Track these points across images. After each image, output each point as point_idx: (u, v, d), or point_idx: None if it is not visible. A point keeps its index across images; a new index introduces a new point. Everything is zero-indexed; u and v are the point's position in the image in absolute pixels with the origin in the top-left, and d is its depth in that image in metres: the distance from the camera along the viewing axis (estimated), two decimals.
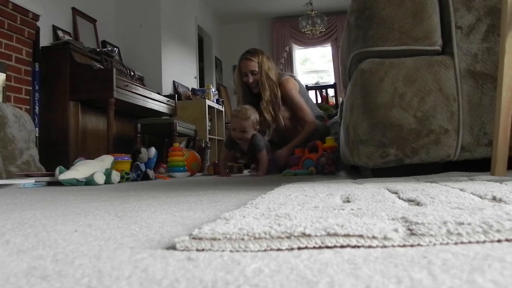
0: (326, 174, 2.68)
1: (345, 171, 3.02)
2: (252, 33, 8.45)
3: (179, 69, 6.52)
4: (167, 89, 6.03)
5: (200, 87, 6.80)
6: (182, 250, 0.43)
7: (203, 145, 5.44)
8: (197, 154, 4.22)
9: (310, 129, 3.50)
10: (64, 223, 0.70)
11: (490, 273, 0.31)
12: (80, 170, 2.30)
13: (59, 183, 2.31)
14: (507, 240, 0.41)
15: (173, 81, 6.25)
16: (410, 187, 0.96)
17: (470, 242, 0.41)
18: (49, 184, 2.45)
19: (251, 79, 3.55)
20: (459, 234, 0.42)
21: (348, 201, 0.73)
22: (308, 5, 7.32)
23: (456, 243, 0.41)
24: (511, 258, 0.35)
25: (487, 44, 1.65)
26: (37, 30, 4.06)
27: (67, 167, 2.42)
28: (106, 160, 2.47)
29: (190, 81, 6.90)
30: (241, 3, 7.74)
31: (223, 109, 6.93)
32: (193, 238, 0.44)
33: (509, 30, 1.29)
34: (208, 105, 6.08)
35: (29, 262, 0.41)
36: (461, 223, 0.44)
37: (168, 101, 5.33)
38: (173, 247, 0.45)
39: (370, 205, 0.64)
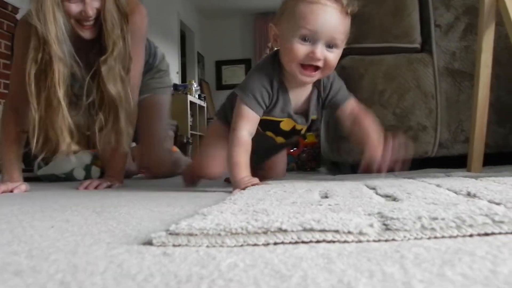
0: (307, 170, 2.69)
1: (325, 167, 3.03)
2: (235, 29, 8.42)
3: None
4: None
5: (182, 83, 6.76)
6: (159, 246, 0.43)
7: (185, 140, 5.42)
8: (178, 150, 4.20)
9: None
10: (41, 218, 0.69)
11: (460, 266, 0.32)
12: (59, 165, 2.28)
13: (38, 179, 2.28)
14: (479, 234, 0.42)
15: None
16: (388, 183, 0.97)
17: (443, 237, 0.42)
18: (28, 179, 2.41)
19: (89, 9, 1.43)
20: (433, 229, 0.43)
21: (326, 197, 0.74)
22: None
23: (429, 238, 0.42)
24: (481, 252, 0.36)
25: (465, 43, 1.68)
26: (16, 23, 4.00)
27: (47, 162, 2.39)
28: (86, 156, 2.45)
29: (172, 77, 6.86)
30: None
31: (205, 105, 6.91)
32: (170, 233, 0.45)
33: (486, 29, 1.31)
34: (190, 100, 6.05)
35: (3, 258, 0.41)
36: (435, 218, 0.45)
37: None
38: (149, 243, 0.45)
39: (348, 200, 0.65)
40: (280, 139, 1.35)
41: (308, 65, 1.12)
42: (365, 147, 1.20)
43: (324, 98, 1.29)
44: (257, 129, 1.25)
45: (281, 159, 1.59)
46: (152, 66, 2.17)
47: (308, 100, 1.27)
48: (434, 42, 1.69)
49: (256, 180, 1.09)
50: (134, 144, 2.31)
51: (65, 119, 1.44)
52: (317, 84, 1.26)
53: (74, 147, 1.48)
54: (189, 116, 6.02)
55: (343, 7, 1.11)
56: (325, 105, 1.30)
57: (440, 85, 1.67)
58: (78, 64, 1.50)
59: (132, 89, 1.59)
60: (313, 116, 1.31)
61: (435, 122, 1.66)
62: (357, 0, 1.13)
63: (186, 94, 6.10)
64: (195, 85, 6.60)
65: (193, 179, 1.47)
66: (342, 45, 1.15)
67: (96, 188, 1.46)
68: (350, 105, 1.30)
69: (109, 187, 1.50)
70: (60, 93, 1.41)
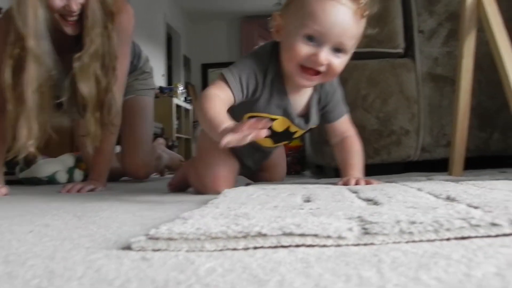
0: (291, 173, 2.70)
1: (310, 170, 3.04)
2: (221, 32, 8.42)
3: None
4: None
5: (168, 85, 6.74)
6: (138, 250, 0.43)
7: (170, 143, 5.40)
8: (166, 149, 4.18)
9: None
10: (20, 223, 0.68)
11: (435, 270, 0.32)
12: (42, 168, 2.26)
13: (19, 182, 2.26)
14: (456, 238, 0.43)
15: None
16: (370, 187, 0.97)
17: (421, 241, 0.42)
18: (9, 183, 2.38)
19: (73, 4, 1.38)
20: (411, 233, 0.43)
21: (309, 201, 0.74)
22: (278, 5, 7.33)
23: (408, 242, 0.42)
24: (457, 255, 0.36)
25: (447, 48, 1.70)
26: None
27: (29, 165, 2.36)
28: (69, 158, 2.43)
29: (158, 79, 6.83)
30: (211, 1, 7.71)
31: (191, 108, 6.90)
32: (150, 238, 0.44)
33: (467, 35, 1.33)
34: (175, 103, 6.03)
35: None
36: (413, 222, 0.45)
37: None
38: (129, 247, 0.44)
39: (329, 204, 0.65)
40: (267, 143, 1.21)
41: (309, 68, 1.00)
42: (342, 174, 1.16)
43: (323, 106, 1.17)
44: None
45: (279, 162, 1.47)
46: (136, 67, 2.14)
47: (308, 103, 1.15)
48: (417, 48, 1.71)
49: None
50: (118, 148, 2.30)
51: (28, 118, 1.38)
52: (318, 88, 1.14)
53: (31, 148, 1.41)
54: (174, 119, 6.00)
55: (359, 8, 0.97)
56: (321, 114, 1.19)
57: (422, 90, 1.69)
58: (58, 62, 1.46)
59: (118, 89, 1.55)
60: (313, 124, 1.19)
61: (418, 126, 1.68)
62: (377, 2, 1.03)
63: (172, 97, 6.08)
64: (181, 88, 6.58)
65: (179, 189, 1.38)
66: (351, 51, 1.02)
67: (78, 191, 1.44)
68: (342, 125, 1.20)
69: (92, 190, 1.47)
70: (29, 91, 1.36)
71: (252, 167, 1.36)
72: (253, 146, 1.22)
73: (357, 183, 1.07)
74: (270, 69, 1.08)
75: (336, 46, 0.97)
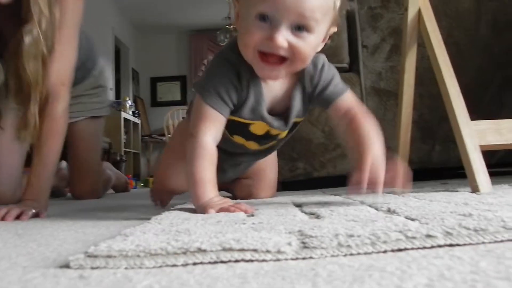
0: None
1: None
2: (170, 45, 8.37)
3: None
4: None
5: (116, 99, 6.63)
6: (76, 269, 0.42)
7: (118, 158, 5.30)
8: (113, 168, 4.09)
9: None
10: None
11: (368, 283, 0.33)
12: None
13: None
14: (392, 250, 0.44)
15: None
16: (314, 200, 0.99)
17: (358, 254, 0.43)
18: None
19: None
20: (348, 246, 0.44)
21: (252, 215, 0.75)
22: (226, 19, 7.37)
23: (345, 255, 0.43)
24: (391, 267, 0.37)
25: (390, 63, 1.75)
26: None
27: None
28: None
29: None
30: (160, 14, 7.66)
31: (139, 122, 6.80)
32: (88, 256, 0.43)
33: (409, 51, 1.38)
34: (124, 117, 5.94)
35: None
36: (351, 236, 0.46)
37: None
38: (67, 266, 0.43)
39: (272, 219, 0.66)
40: (253, 145, 1.08)
41: (270, 54, 0.83)
42: (358, 162, 0.86)
43: (310, 92, 0.99)
44: (223, 132, 0.96)
45: (267, 165, 1.23)
46: (88, 74, 1.94)
47: (289, 96, 0.98)
48: (361, 62, 1.76)
49: (229, 201, 0.82)
50: (64, 164, 2.22)
51: None
52: (300, 77, 0.97)
53: None
54: (122, 133, 5.90)
55: None
56: (313, 101, 1.01)
57: (367, 103, 1.74)
58: None
59: (60, 84, 1.22)
60: (296, 118, 1.03)
61: None
62: None
63: (120, 110, 5.99)
64: (130, 102, 6.49)
65: (162, 197, 1.24)
66: (319, 28, 0.83)
67: (18, 218, 1.00)
68: (346, 102, 0.98)
69: (36, 216, 1.05)
70: None
71: (234, 175, 1.22)
72: (237, 152, 1.10)
73: (372, 181, 0.82)
74: (243, 68, 0.92)
75: (296, 23, 0.80)
